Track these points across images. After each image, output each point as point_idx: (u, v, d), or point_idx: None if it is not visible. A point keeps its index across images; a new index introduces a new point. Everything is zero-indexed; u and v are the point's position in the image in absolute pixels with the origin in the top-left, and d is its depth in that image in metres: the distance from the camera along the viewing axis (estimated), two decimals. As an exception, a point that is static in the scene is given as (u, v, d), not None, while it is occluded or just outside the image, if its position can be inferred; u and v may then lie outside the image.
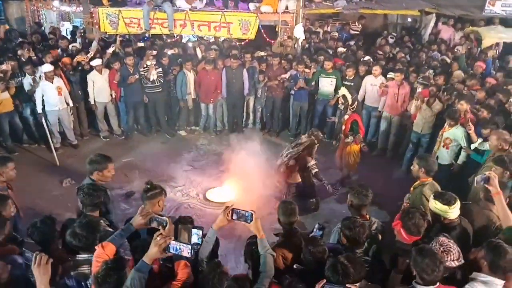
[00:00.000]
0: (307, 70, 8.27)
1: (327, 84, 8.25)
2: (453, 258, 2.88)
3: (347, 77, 8.13)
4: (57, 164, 7.44)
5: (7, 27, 10.96)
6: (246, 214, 2.85)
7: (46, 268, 2.51)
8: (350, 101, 6.55)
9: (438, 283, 2.68)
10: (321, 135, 6.51)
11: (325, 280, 2.58)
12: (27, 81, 7.43)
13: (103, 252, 2.72)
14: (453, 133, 5.82)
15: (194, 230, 2.87)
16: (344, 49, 9.80)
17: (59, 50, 8.90)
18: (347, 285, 2.51)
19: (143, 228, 3.01)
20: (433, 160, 4.38)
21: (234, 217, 2.87)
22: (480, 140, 5.46)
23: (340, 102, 6.79)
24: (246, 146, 8.26)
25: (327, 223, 5.29)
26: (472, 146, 5.60)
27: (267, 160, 7.29)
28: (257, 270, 2.89)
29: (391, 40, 11.11)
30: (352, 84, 7.92)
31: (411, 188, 4.36)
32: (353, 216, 3.42)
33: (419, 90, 6.86)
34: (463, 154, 5.79)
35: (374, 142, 8.28)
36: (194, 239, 2.84)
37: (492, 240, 2.94)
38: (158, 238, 2.60)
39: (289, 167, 6.22)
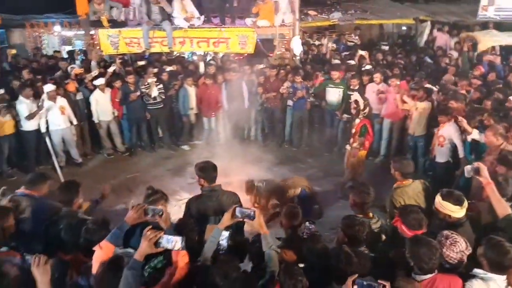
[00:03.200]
0: (303, 81, 8.44)
1: (334, 94, 8.35)
2: (462, 248, 2.87)
3: (351, 87, 8.23)
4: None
5: (14, 51, 11.28)
6: (249, 212, 2.94)
7: (45, 269, 2.56)
8: (362, 106, 6.67)
9: (436, 271, 2.72)
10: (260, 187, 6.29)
11: (357, 275, 2.57)
12: (21, 105, 7.36)
13: (102, 253, 2.73)
14: (446, 130, 5.93)
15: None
16: (340, 61, 10.02)
17: (59, 72, 9.12)
18: (379, 281, 2.48)
19: (138, 222, 2.93)
20: (408, 162, 4.28)
21: (238, 215, 2.95)
22: (476, 131, 5.48)
23: (352, 107, 6.90)
24: (248, 158, 8.44)
25: (334, 230, 5.32)
26: (469, 138, 5.61)
27: (269, 171, 7.41)
28: (261, 267, 2.94)
29: (384, 47, 11.32)
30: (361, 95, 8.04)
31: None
32: (353, 214, 3.46)
33: (397, 83, 7.00)
34: (460, 150, 5.84)
35: (377, 149, 8.36)
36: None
37: (492, 237, 2.90)
38: (149, 233, 2.59)
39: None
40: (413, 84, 7.38)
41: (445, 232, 3.01)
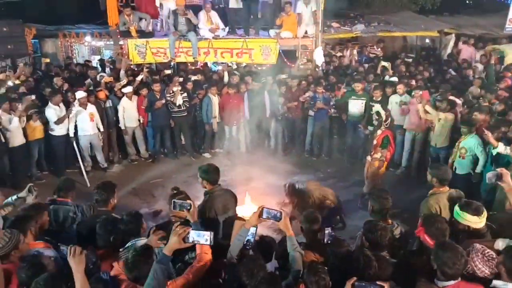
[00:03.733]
0: (324, 92, 8.52)
1: (357, 106, 8.35)
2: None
3: (373, 98, 8.16)
4: (88, 186, 7.77)
5: (47, 60, 11.81)
6: (276, 213, 2.98)
7: (80, 258, 2.69)
8: (384, 117, 6.70)
9: (459, 279, 2.69)
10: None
11: (355, 278, 2.62)
12: (49, 110, 7.65)
13: None
14: (468, 142, 5.87)
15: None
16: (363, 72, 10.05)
17: (89, 80, 9.50)
18: (378, 282, 2.52)
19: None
20: (445, 169, 4.34)
21: (265, 216, 2.98)
22: (501, 144, 5.43)
23: (374, 119, 6.93)
24: (268, 166, 8.53)
25: (353, 239, 5.31)
26: (494, 152, 5.56)
27: (288, 180, 7.45)
28: (285, 267, 2.99)
29: (408, 60, 11.28)
30: (381, 105, 8.06)
31: None
32: (375, 219, 3.49)
33: (420, 93, 6.96)
34: (480, 163, 5.79)
35: (398, 160, 8.30)
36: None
37: (511, 245, 2.88)
38: (178, 229, 2.68)
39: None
40: (437, 95, 7.34)
41: (478, 245, 2.93)
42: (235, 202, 4.24)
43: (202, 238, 2.70)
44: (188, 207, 3.06)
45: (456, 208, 3.49)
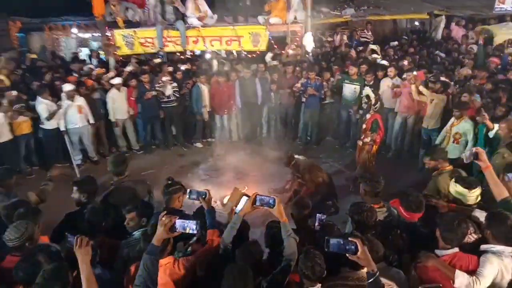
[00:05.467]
0: (317, 78, 8.45)
1: (350, 91, 8.31)
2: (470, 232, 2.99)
3: (365, 82, 8.15)
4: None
5: (34, 56, 11.57)
6: (269, 200, 2.96)
7: (86, 250, 2.66)
8: (373, 101, 6.66)
9: (457, 248, 2.81)
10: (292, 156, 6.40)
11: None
12: (41, 105, 7.49)
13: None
14: (462, 126, 5.85)
15: (244, 198, 3.23)
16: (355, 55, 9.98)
17: (77, 72, 9.31)
18: (350, 238, 2.49)
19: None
20: (441, 148, 4.53)
21: (258, 203, 2.97)
22: (497, 126, 5.39)
23: (363, 102, 6.90)
24: (260, 154, 8.50)
25: (345, 224, 5.31)
26: (490, 134, 5.54)
27: (281, 167, 7.44)
28: (278, 254, 2.98)
29: (403, 41, 11.22)
30: (372, 89, 8.03)
31: None
32: (361, 201, 3.46)
33: (414, 73, 6.92)
34: (469, 146, 5.79)
35: (389, 143, 8.30)
36: (240, 205, 3.24)
37: (494, 211, 3.02)
38: (164, 218, 2.65)
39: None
40: (431, 76, 7.30)
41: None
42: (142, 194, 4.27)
43: (189, 227, 2.67)
44: (204, 196, 3.19)
45: (452, 180, 3.64)
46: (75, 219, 3.71)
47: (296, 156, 6.36)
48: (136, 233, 3.39)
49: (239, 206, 4.54)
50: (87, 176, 4.24)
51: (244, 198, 5.99)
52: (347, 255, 2.47)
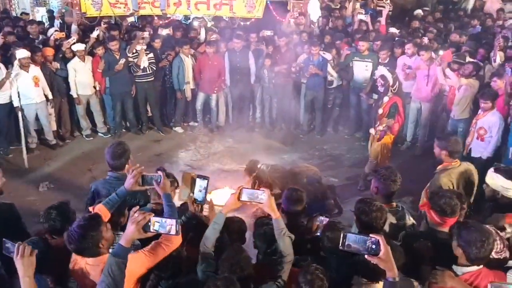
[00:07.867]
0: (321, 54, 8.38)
1: (361, 70, 8.28)
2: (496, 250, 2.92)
3: (380, 60, 8.10)
4: (26, 167, 7.60)
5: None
6: (259, 193, 2.90)
7: (30, 260, 2.55)
8: (391, 81, 6.58)
9: (482, 266, 2.75)
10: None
11: None
12: None
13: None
14: (488, 120, 5.79)
15: (198, 180, 3.18)
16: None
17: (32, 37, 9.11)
18: (371, 235, 2.40)
19: (136, 190, 3.13)
20: (456, 140, 4.36)
21: (245, 198, 2.90)
22: None
23: (379, 84, 6.81)
24: (253, 143, 8.47)
25: (351, 227, 5.34)
26: None
27: (277, 159, 7.44)
28: (271, 254, 2.99)
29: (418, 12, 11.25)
30: (388, 68, 7.97)
31: None
32: (369, 198, 3.40)
33: (441, 52, 6.92)
34: (491, 146, 5.79)
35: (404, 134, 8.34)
36: (196, 191, 3.19)
37: None
38: (136, 215, 2.56)
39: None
40: (455, 56, 7.26)
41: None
42: None
43: (165, 227, 2.59)
44: (158, 180, 3.01)
45: (490, 170, 3.69)
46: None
47: (260, 166, 6.06)
48: None
49: (221, 201, 4.59)
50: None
51: (227, 192, 6.01)
52: (365, 256, 2.35)
